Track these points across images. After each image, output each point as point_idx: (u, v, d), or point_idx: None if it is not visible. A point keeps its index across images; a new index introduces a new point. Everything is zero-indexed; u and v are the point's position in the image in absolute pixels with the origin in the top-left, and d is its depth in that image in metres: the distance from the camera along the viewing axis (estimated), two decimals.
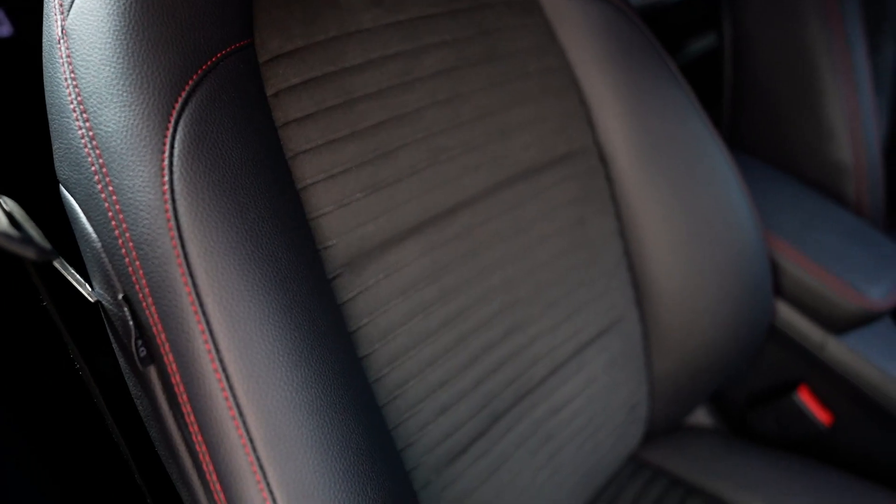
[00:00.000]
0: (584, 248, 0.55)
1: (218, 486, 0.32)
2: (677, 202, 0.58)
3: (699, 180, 0.59)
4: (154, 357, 0.32)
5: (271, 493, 0.31)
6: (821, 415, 0.65)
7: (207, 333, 0.30)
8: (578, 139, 0.55)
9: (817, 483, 0.62)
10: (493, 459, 0.50)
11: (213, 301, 0.31)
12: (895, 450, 0.62)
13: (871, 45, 0.78)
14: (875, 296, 0.60)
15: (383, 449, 0.37)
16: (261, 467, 0.31)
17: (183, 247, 0.31)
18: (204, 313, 0.30)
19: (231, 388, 0.31)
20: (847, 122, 0.71)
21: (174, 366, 0.31)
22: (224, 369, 0.31)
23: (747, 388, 0.72)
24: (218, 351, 0.31)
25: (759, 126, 0.80)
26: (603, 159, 0.57)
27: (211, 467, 0.32)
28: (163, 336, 0.31)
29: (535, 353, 0.52)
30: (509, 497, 0.51)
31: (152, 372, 0.32)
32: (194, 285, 0.31)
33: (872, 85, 0.73)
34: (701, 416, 0.77)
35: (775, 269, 0.65)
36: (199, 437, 0.32)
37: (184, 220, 0.31)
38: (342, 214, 0.40)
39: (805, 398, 0.66)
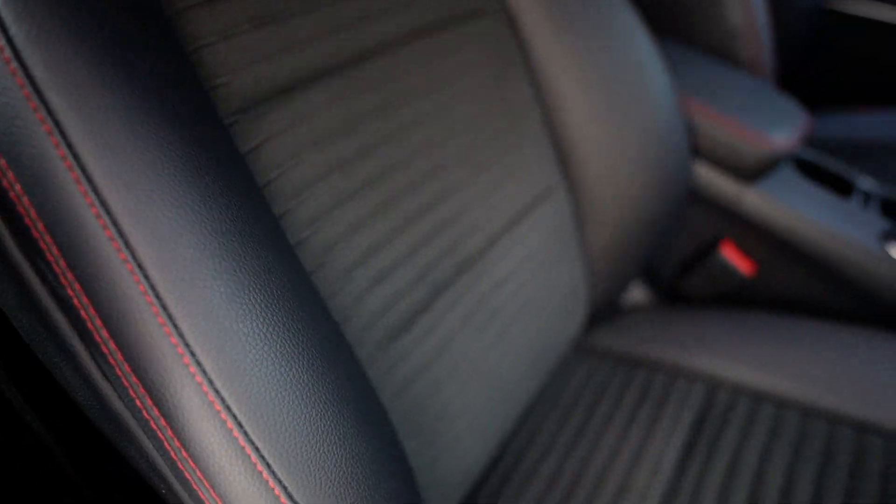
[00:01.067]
0: (504, 112, 0.52)
1: (129, 371, 0.25)
2: (593, 67, 0.57)
3: (614, 45, 0.58)
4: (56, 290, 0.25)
5: (205, 374, 0.25)
6: (744, 266, 0.67)
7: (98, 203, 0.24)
8: None
9: (752, 328, 0.64)
10: (441, 337, 0.46)
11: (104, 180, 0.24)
12: (816, 288, 0.65)
13: None
14: (780, 138, 0.63)
15: (322, 320, 0.32)
16: (187, 347, 0.25)
17: (57, 125, 0.23)
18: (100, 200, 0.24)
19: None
20: None
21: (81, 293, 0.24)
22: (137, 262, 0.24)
23: (677, 259, 0.74)
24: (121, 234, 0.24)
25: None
26: (512, 22, 0.54)
27: (120, 357, 0.25)
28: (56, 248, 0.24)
29: (471, 222, 0.49)
30: (463, 376, 0.48)
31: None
32: (82, 170, 0.24)
33: None
34: (638, 296, 0.78)
35: (688, 129, 0.66)
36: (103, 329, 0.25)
37: (38, 73, 0.23)
38: (228, 48, 0.34)
39: (728, 253, 0.68)
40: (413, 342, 0.43)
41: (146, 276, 0.24)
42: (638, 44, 0.59)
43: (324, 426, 0.29)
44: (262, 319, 0.28)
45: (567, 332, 0.65)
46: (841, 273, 0.62)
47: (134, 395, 0.26)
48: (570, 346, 0.68)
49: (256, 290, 0.27)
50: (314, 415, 0.28)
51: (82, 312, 0.25)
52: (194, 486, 0.26)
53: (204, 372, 0.25)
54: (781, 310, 0.65)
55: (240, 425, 0.25)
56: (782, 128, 0.64)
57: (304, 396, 0.28)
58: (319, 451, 0.28)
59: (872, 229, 0.62)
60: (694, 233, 0.71)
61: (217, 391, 0.25)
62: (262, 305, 0.28)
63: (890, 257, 0.60)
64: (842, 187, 0.69)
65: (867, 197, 0.69)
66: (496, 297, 0.52)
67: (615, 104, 0.57)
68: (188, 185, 0.26)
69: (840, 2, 1.18)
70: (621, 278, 0.67)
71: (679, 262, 0.73)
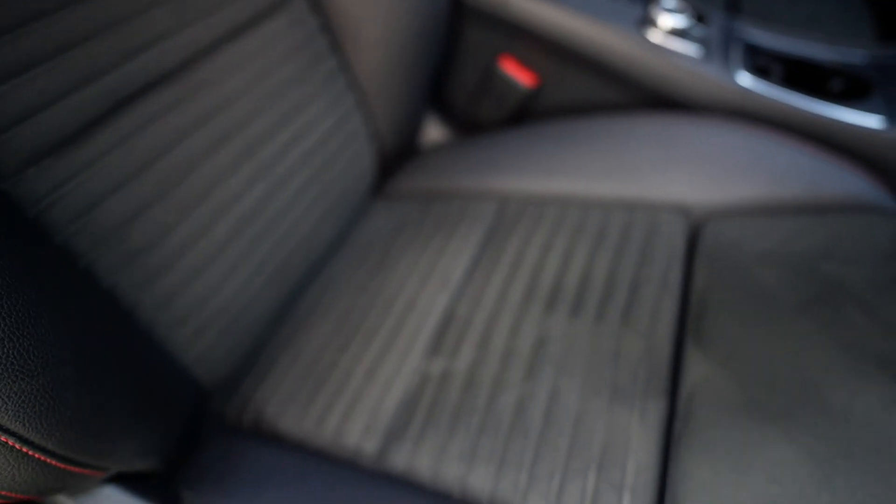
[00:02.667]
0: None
1: None
2: None
3: None
4: None
5: None
6: (525, 78, 0.66)
7: None
8: None
9: (537, 139, 0.63)
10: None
11: None
12: (593, 85, 0.65)
13: None
14: None
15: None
16: None
17: None
18: None
19: None
20: None
21: None
22: None
23: (465, 89, 0.71)
24: None
25: None
26: None
27: None
28: None
29: (256, 135, 0.44)
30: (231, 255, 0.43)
31: None
32: None
33: None
34: (436, 134, 0.75)
35: None
36: None
37: None
38: None
39: (508, 68, 0.66)
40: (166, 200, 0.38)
41: None
42: None
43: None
44: None
45: (355, 171, 0.61)
46: (608, 65, 0.62)
47: None
48: (367, 194, 0.65)
49: None
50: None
51: None
52: None
53: None
54: (569, 114, 0.64)
55: None
56: None
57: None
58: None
59: (632, 15, 0.62)
60: (474, 57, 0.68)
61: None
62: None
63: (648, 41, 0.60)
64: None
65: None
66: (284, 161, 0.48)
67: None
68: None
69: None
70: (401, 102, 0.63)
71: (468, 91, 0.70)
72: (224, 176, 0.44)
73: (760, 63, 0.65)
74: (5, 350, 0.24)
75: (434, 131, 0.74)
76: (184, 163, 0.41)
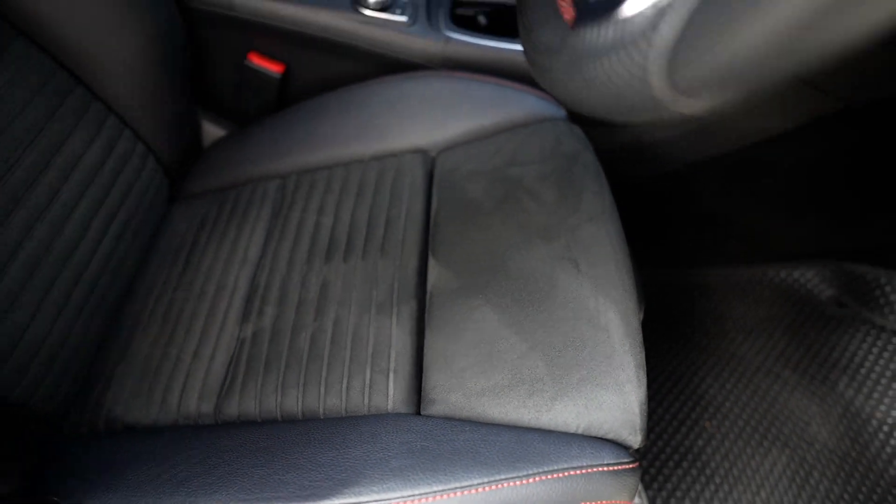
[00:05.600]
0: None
1: None
2: None
3: None
4: None
5: None
6: (275, 67, 0.74)
7: None
8: None
9: (295, 119, 0.72)
10: None
11: None
12: (334, 65, 0.75)
13: None
14: None
15: None
16: None
17: None
18: None
19: None
20: None
21: None
22: None
23: (226, 88, 0.78)
24: None
25: None
26: None
27: None
28: None
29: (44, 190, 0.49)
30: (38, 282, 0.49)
31: None
32: None
33: None
34: (214, 132, 0.82)
35: None
36: None
37: None
38: None
39: (256, 62, 0.74)
40: None
41: None
42: None
43: None
44: None
45: (147, 191, 0.67)
46: (336, 42, 0.72)
47: None
48: (161, 203, 0.71)
49: None
50: None
51: None
52: None
53: None
54: (320, 91, 0.74)
55: None
56: None
57: None
58: None
59: None
60: (224, 58, 0.75)
61: None
62: None
63: (362, 15, 0.71)
64: None
65: None
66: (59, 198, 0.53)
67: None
68: None
69: None
70: (172, 121, 0.70)
71: (229, 89, 0.78)
72: None
73: (465, 12, 0.78)
74: None
75: (212, 129, 0.81)
76: None
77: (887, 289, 0.79)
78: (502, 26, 0.79)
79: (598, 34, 0.25)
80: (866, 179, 0.73)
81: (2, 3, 0.53)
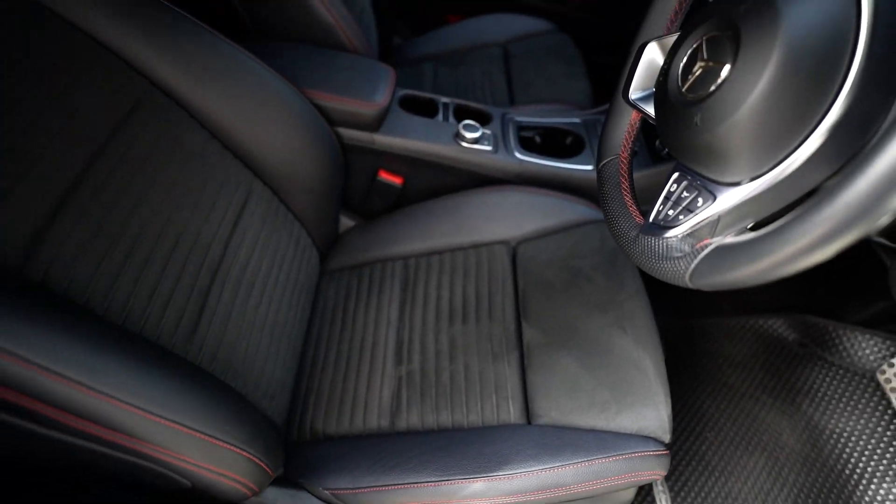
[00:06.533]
0: (189, 159, 0.76)
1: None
2: (238, 99, 0.82)
3: (247, 85, 0.83)
4: None
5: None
6: (396, 180, 1.05)
7: None
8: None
9: (412, 216, 1.02)
10: (222, 315, 0.73)
11: None
12: (439, 178, 1.05)
13: None
14: (379, 99, 0.97)
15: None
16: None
17: None
18: None
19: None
20: None
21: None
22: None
23: (360, 192, 1.08)
24: None
25: (271, 16, 1.05)
26: (166, 92, 0.75)
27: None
28: None
29: (206, 239, 0.75)
30: (250, 330, 0.77)
31: None
32: None
33: None
34: (348, 222, 1.12)
35: (324, 111, 0.96)
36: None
37: None
38: None
39: (384, 176, 1.04)
40: (207, 328, 0.70)
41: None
42: (258, 72, 0.85)
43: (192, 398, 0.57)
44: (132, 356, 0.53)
45: (310, 268, 0.96)
46: (443, 164, 1.03)
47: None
48: (317, 275, 1.00)
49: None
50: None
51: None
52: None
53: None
54: (427, 197, 1.04)
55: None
56: (378, 91, 0.98)
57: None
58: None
59: (449, 133, 1.03)
60: (361, 172, 1.05)
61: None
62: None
63: (462, 147, 1.02)
64: (431, 108, 1.09)
65: (447, 107, 1.10)
66: (249, 272, 0.80)
67: (266, 116, 0.84)
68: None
69: None
70: (328, 219, 0.99)
71: (362, 193, 1.08)
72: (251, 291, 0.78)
73: (527, 134, 1.09)
74: None
75: (344, 219, 1.11)
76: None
77: (834, 335, 1.08)
78: (552, 145, 1.10)
79: (653, 244, 0.54)
80: (827, 265, 1.03)
81: (243, 155, 0.82)
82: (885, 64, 0.38)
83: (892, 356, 1.01)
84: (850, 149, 0.40)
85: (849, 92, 0.39)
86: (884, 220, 0.33)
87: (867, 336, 1.05)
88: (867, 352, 1.05)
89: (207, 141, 0.78)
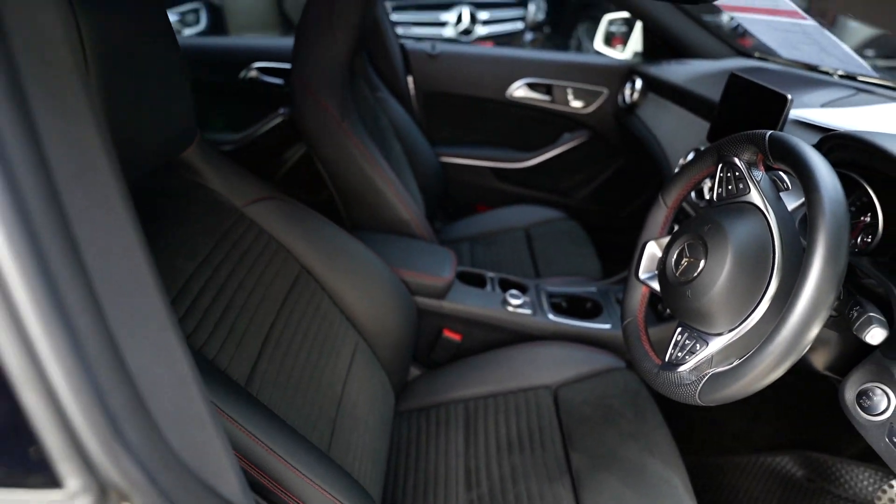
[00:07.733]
0: (327, 326, 1.03)
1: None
2: (348, 276, 1.11)
3: (358, 265, 1.13)
4: None
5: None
6: (456, 337, 1.31)
7: None
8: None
9: (473, 366, 1.26)
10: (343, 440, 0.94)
11: None
12: (488, 334, 1.31)
13: (372, 128, 1.47)
14: (446, 274, 1.28)
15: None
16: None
17: None
18: None
19: None
20: (392, 192, 1.38)
21: None
22: None
23: (424, 347, 1.34)
24: None
25: (358, 208, 1.41)
26: (306, 269, 1.05)
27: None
28: None
29: (329, 383, 0.99)
30: (356, 445, 0.97)
31: None
32: None
33: (383, 155, 1.41)
34: (414, 371, 1.35)
35: (407, 284, 1.26)
36: None
37: None
38: None
39: (448, 334, 1.30)
40: (335, 445, 0.91)
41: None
42: (365, 255, 1.16)
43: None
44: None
45: (387, 408, 1.18)
46: (492, 325, 1.30)
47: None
48: (393, 414, 1.21)
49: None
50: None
51: None
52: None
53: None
54: (479, 351, 1.29)
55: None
56: (445, 269, 1.29)
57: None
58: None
59: (497, 300, 1.32)
60: (429, 331, 1.32)
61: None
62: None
63: (508, 311, 1.30)
64: (480, 281, 1.39)
65: (493, 280, 1.40)
66: (359, 408, 1.03)
67: (369, 287, 1.13)
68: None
69: (447, 157, 1.99)
70: (404, 368, 1.23)
71: (427, 347, 1.34)
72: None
73: (556, 300, 1.38)
74: None
75: (412, 370, 1.35)
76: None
77: (834, 469, 1.25)
78: (576, 308, 1.38)
79: (670, 376, 0.78)
80: (817, 403, 1.25)
81: (351, 317, 1.10)
82: (793, 259, 0.67)
83: (885, 483, 1.18)
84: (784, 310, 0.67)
85: (776, 275, 0.67)
86: (805, 349, 0.58)
87: (862, 468, 1.22)
88: (864, 483, 1.21)
89: (331, 306, 1.06)
